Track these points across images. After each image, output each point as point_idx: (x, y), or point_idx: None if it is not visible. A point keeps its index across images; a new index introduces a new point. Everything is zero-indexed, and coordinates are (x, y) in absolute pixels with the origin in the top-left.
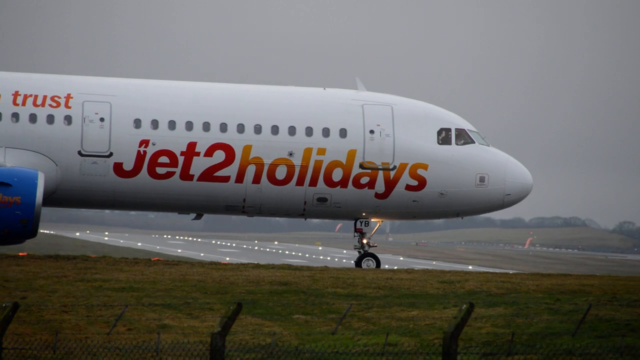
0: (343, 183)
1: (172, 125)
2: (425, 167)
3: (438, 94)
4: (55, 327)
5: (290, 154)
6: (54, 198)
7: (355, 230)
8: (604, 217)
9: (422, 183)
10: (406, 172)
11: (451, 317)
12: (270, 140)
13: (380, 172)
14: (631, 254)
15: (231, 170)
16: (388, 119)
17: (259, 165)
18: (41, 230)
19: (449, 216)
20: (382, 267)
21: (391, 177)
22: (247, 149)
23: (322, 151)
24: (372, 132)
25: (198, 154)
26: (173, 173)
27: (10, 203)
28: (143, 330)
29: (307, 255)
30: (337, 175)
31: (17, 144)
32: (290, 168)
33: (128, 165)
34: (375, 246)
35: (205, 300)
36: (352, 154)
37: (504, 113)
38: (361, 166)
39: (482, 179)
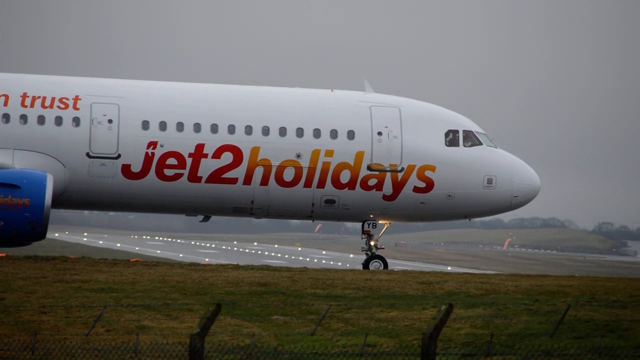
0: (351, 185)
1: (180, 127)
2: (432, 168)
3: (439, 95)
4: (34, 328)
5: (298, 156)
6: (62, 200)
7: (363, 232)
8: (583, 218)
9: (429, 185)
10: (414, 173)
11: (430, 318)
12: (278, 142)
13: (388, 174)
14: (610, 254)
15: (239, 172)
16: (396, 120)
17: (267, 167)
18: None
19: (457, 218)
20: (360, 268)
21: (399, 178)
22: (255, 150)
23: (330, 153)
24: (379, 133)
25: (206, 155)
26: (181, 175)
27: (19, 205)
28: (122, 331)
29: (286, 256)
30: (344, 177)
31: (26, 145)
32: (298, 170)
33: (136, 167)
34: (383, 248)
35: (185, 301)
36: (359, 156)
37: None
38: (369, 168)
39: (489, 181)
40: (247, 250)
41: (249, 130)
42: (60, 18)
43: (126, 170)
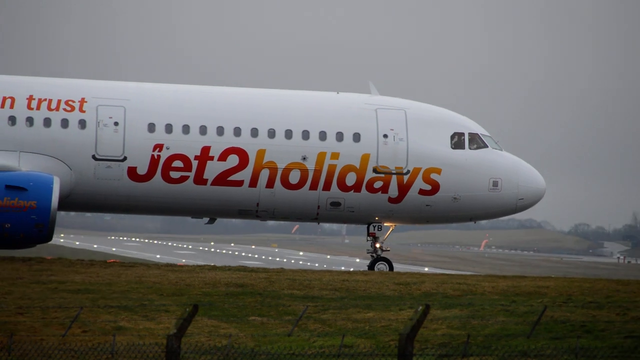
0: (356, 187)
1: (186, 129)
2: (438, 171)
3: (438, 95)
4: (10, 329)
5: (304, 158)
6: (68, 202)
7: (368, 234)
8: (559, 219)
9: (435, 187)
10: (419, 176)
11: (407, 318)
12: (284, 144)
13: (394, 177)
14: (586, 255)
15: (245, 175)
16: (401, 123)
17: (273, 169)
18: None
19: (462, 220)
20: (338, 269)
21: (404, 181)
22: (260, 153)
23: (335, 155)
24: (385, 136)
25: (212, 158)
26: (187, 177)
27: (25, 207)
28: (98, 332)
29: (263, 257)
30: (350, 179)
31: (32, 148)
32: (304, 172)
33: (142, 170)
34: (388, 250)
35: (161, 302)
36: (365, 159)
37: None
38: (375, 170)
39: (495, 184)
40: (224, 251)
41: (254, 132)
42: (60, 19)
43: (132, 172)
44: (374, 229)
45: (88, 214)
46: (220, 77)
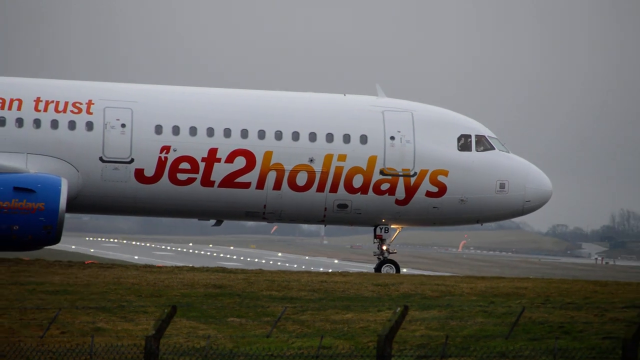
0: (363, 189)
1: (193, 131)
2: (445, 173)
3: (438, 95)
4: None
5: (311, 160)
6: (75, 204)
7: (375, 236)
8: (537, 220)
9: (442, 189)
10: (426, 178)
11: (385, 320)
12: (291, 146)
13: (401, 179)
14: (564, 256)
15: (252, 177)
16: (408, 125)
17: (280, 171)
18: None
19: (469, 222)
20: (316, 270)
21: (411, 183)
22: (267, 155)
23: (342, 157)
24: (392, 138)
25: (219, 160)
26: (194, 179)
27: (34, 209)
28: (77, 333)
29: (241, 258)
30: (357, 181)
31: (39, 149)
32: (311, 174)
33: (149, 172)
34: (395, 252)
35: (140, 304)
36: (372, 160)
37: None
38: (382, 172)
39: (502, 186)
40: (202, 253)
41: (261, 134)
42: (62, 20)
43: (139, 174)
44: (381, 231)
45: (66, 215)
46: (228, 78)
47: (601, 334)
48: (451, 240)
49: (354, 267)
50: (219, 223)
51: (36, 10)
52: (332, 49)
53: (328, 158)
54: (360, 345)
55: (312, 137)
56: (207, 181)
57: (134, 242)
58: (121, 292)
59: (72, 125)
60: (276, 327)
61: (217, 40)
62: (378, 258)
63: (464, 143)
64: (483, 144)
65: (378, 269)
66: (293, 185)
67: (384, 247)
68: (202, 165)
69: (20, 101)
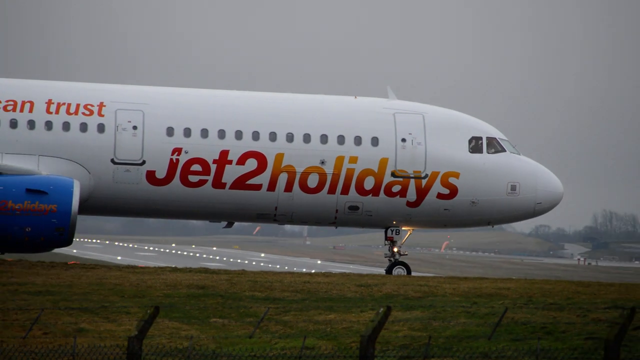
0: (375, 191)
1: (204, 133)
2: (456, 175)
3: (437, 96)
4: None
5: (322, 162)
6: (86, 206)
7: (386, 238)
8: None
9: (453, 191)
10: (438, 180)
11: (368, 320)
12: (302, 148)
13: (412, 181)
14: (547, 257)
15: (263, 179)
16: (419, 127)
17: (291, 173)
18: None
19: (480, 224)
20: (299, 270)
21: (423, 185)
22: (279, 157)
23: (354, 159)
24: (403, 140)
25: (230, 162)
26: (205, 181)
27: (46, 211)
28: (59, 334)
29: (224, 259)
30: (368, 183)
31: (51, 152)
32: (322, 176)
33: (161, 173)
34: (406, 254)
35: (122, 304)
36: (383, 163)
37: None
38: (393, 174)
39: (513, 188)
40: (185, 253)
41: (273, 136)
42: (65, 21)
43: (151, 176)
44: (392, 233)
45: None
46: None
47: (584, 335)
48: (434, 241)
49: (337, 267)
50: (229, 225)
51: (37, 11)
52: (343, 51)
53: (339, 160)
54: (343, 346)
55: (324, 139)
56: (218, 183)
57: (116, 243)
58: (104, 293)
59: (83, 127)
60: (259, 328)
61: (209, 40)
62: (389, 260)
63: (475, 145)
64: (494, 146)
65: (389, 270)
66: (304, 187)
67: (395, 249)
68: (213, 167)
69: (31, 103)
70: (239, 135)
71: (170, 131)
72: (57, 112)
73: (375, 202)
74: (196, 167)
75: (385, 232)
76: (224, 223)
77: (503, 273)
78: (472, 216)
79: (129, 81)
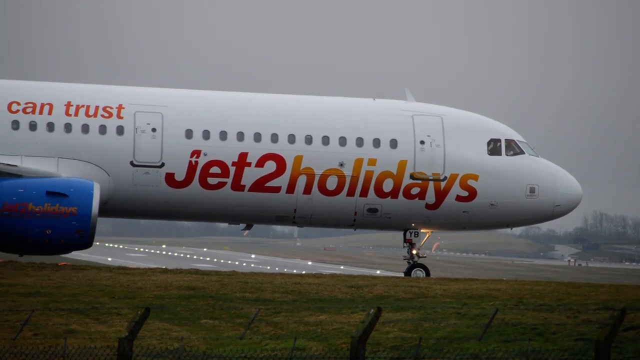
0: (394, 194)
1: (223, 135)
2: (475, 177)
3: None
4: None
5: (341, 165)
6: (106, 208)
7: (405, 240)
8: None
9: (472, 194)
10: (457, 182)
11: (359, 321)
12: (321, 150)
13: (431, 183)
14: (537, 258)
15: (282, 181)
16: (438, 129)
17: (310, 175)
18: None
19: (499, 227)
20: (290, 271)
21: (442, 187)
22: (298, 159)
23: (372, 162)
24: (422, 142)
25: (249, 164)
26: (224, 183)
27: (66, 214)
28: (50, 335)
29: (215, 260)
30: (387, 185)
31: (70, 154)
32: (341, 178)
33: (180, 176)
34: (425, 257)
35: (113, 305)
36: (402, 165)
37: None
38: (412, 177)
39: (532, 190)
40: (175, 254)
41: (292, 139)
42: (65, 21)
43: (170, 178)
44: (411, 236)
45: None
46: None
47: (574, 336)
48: (425, 242)
49: (328, 269)
50: (248, 227)
51: (37, 11)
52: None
53: (358, 162)
54: (333, 347)
55: (342, 141)
56: (237, 185)
57: (107, 244)
58: (94, 294)
59: (102, 129)
60: (250, 329)
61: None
62: (408, 262)
63: (494, 147)
64: (513, 148)
65: (408, 273)
66: (323, 189)
67: (414, 252)
68: (232, 170)
69: (50, 106)
70: (257, 137)
71: (189, 133)
72: (76, 114)
73: (394, 204)
74: (215, 170)
75: (404, 235)
76: (243, 225)
77: (494, 274)
78: (491, 218)
79: (129, 81)
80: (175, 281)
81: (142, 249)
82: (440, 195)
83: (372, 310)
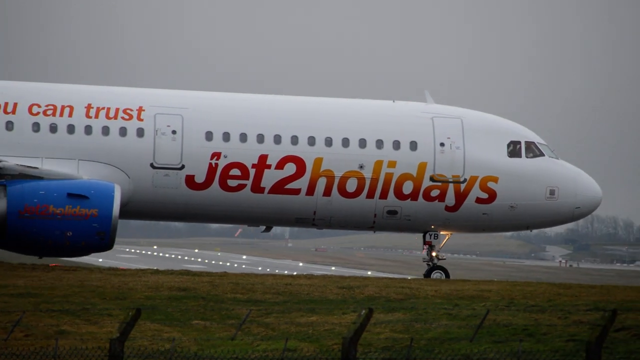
0: (413, 196)
1: (243, 137)
2: (495, 180)
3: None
4: None
5: (361, 167)
6: (125, 210)
7: (424, 243)
8: None
9: (492, 196)
10: (476, 184)
11: (350, 322)
12: (341, 152)
13: (451, 185)
14: (528, 259)
15: (302, 183)
16: (458, 131)
17: (330, 177)
18: None
19: (519, 229)
20: (281, 272)
21: (461, 189)
22: (318, 161)
23: (392, 164)
24: (442, 144)
25: (269, 166)
26: (244, 185)
27: (87, 216)
28: (41, 336)
29: (206, 261)
30: (407, 187)
31: (90, 156)
32: (361, 181)
33: (200, 178)
34: (444, 259)
35: (104, 306)
36: (422, 167)
37: None
38: (431, 179)
39: (552, 192)
40: (166, 255)
41: (312, 141)
42: (65, 21)
43: (190, 180)
44: (430, 238)
45: None
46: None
47: (565, 337)
48: (416, 243)
49: (319, 269)
50: (268, 229)
51: (37, 11)
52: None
53: (378, 164)
54: (325, 348)
55: (362, 143)
56: (257, 187)
57: None
58: (85, 295)
59: (123, 131)
60: (241, 330)
61: (212, 43)
62: (427, 264)
63: (514, 149)
64: (532, 150)
65: (428, 275)
66: (343, 191)
67: (434, 254)
68: (252, 172)
69: (71, 108)
70: (277, 139)
71: (209, 136)
72: (96, 116)
73: (414, 206)
74: (235, 172)
75: (424, 237)
76: (263, 227)
77: (484, 275)
78: (511, 221)
79: (129, 82)
80: (166, 282)
81: (133, 250)
82: (460, 197)
83: (364, 311)
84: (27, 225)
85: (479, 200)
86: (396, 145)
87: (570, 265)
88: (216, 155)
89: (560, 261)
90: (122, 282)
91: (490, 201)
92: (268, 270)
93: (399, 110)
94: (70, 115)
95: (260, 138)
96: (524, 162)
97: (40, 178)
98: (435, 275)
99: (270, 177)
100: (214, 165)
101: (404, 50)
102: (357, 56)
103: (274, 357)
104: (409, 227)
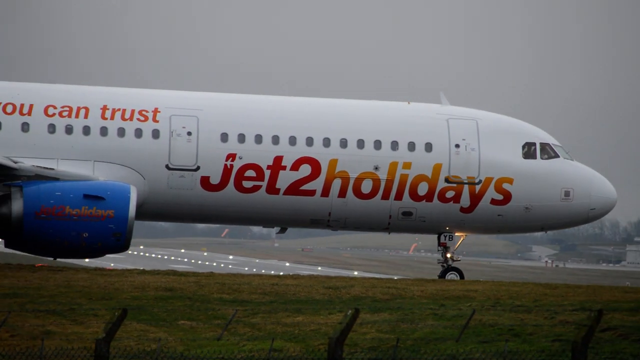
0: (428, 197)
1: (258, 139)
2: (510, 181)
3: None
4: None
5: (376, 168)
6: (141, 211)
7: (439, 244)
8: None
9: (507, 197)
10: (491, 186)
11: (336, 322)
12: (356, 154)
13: (466, 186)
14: (515, 259)
15: (317, 184)
16: (473, 133)
17: (345, 179)
18: None
19: (533, 230)
20: (267, 273)
21: (476, 191)
22: (333, 162)
23: (407, 165)
24: (457, 146)
25: (284, 167)
26: (259, 187)
27: (103, 217)
28: (27, 336)
29: (192, 261)
30: (422, 189)
31: (106, 157)
32: (376, 182)
33: (215, 179)
34: (459, 260)
35: (90, 306)
36: (437, 168)
37: None
38: (446, 180)
39: (567, 194)
40: (153, 255)
41: (327, 142)
42: (65, 21)
43: (205, 182)
44: (445, 239)
45: None
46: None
47: (551, 337)
48: (402, 243)
49: (305, 270)
50: (283, 230)
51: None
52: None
53: (393, 166)
54: (311, 348)
55: (377, 144)
56: (272, 189)
57: None
58: (71, 295)
59: (138, 133)
60: (227, 330)
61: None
62: (442, 266)
63: (528, 151)
64: (547, 151)
65: (442, 276)
66: (358, 192)
67: (448, 255)
68: (267, 173)
69: (87, 109)
70: (292, 141)
71: (224, 137)
72: (112, 117)
73: (429, 207)
74: (250, 173)
75: (438, 238)
76: (278, 229)
77: (470, 275)
78: (526, 222)
79: (130, 82)
80: (152, 282)
81: None
82: (475, 198)
83: (350, 312)
84: (44, 226)
85: (494, 202)
86: (411, 146)
87: (557, 266)
88: (231, 156)
89: (547, 261)
90: (108, 282)
91: (505, 202)
92: (254, 270)
93: (414, 112)
94: (85, 116)
95: (276, 139)
96: (539, 164)
97: (56, 179)
98: (450, 276)
99: (285, 179)
100: (229, 166)
101: (401, 50)
102: (357, 56)
103: (260, 357)
104: (423, 228)
